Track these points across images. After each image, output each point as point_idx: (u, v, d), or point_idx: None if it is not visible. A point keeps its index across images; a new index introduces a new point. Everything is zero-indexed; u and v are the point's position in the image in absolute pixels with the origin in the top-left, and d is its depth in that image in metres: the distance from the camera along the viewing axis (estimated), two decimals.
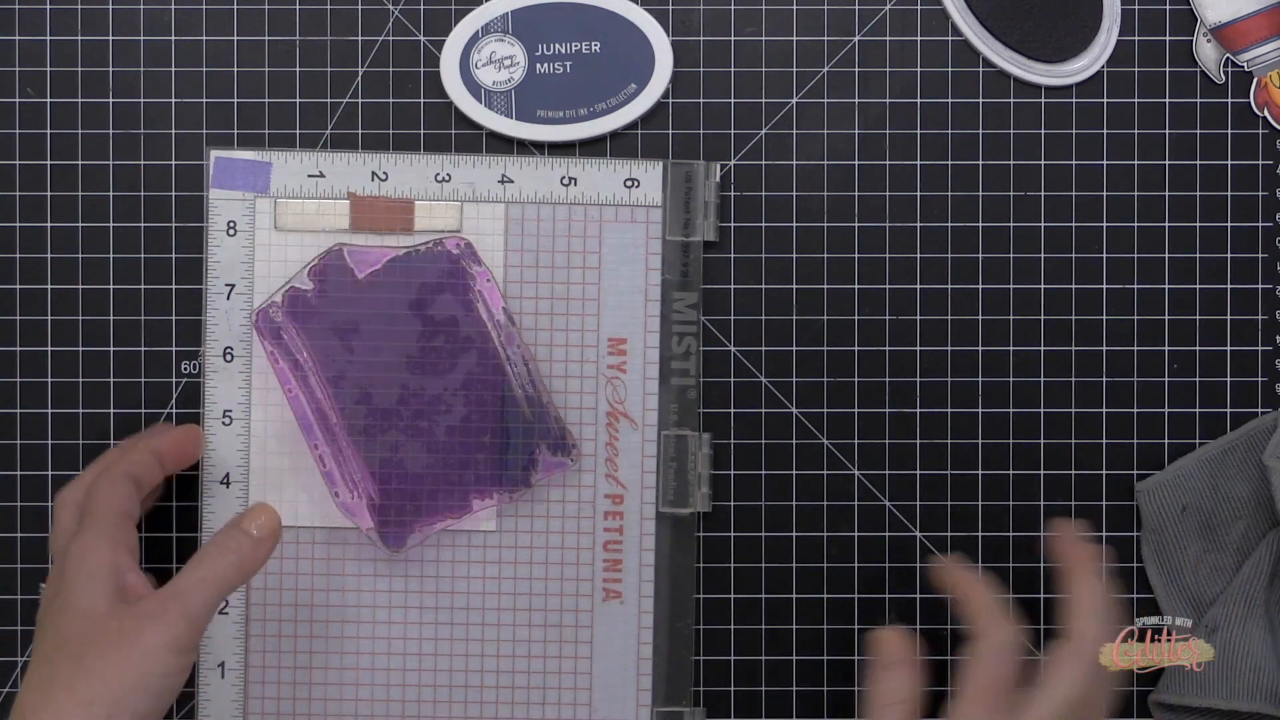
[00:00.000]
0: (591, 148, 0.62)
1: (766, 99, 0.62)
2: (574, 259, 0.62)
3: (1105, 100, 0.62)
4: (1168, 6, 0.62)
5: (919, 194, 0.62)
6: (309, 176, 0.62)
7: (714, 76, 0.62)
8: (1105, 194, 0.62)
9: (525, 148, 0.62)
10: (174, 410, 0.62)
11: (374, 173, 0.62)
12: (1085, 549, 0.57)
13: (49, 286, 0.62)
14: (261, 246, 0.62)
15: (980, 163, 0.62)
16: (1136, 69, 0.62)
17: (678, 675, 0.62)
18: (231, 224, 0.62)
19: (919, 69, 0.62)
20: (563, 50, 0.61)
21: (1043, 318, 0.62)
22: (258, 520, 0.55)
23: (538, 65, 0.61)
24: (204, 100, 0.62)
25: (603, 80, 0.61)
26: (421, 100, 0.62)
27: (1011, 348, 0.62)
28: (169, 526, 0.62)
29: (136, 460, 0.57)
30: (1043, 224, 0.62)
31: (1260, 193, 0.62)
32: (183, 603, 0.52)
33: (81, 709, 0.50)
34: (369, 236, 0.62)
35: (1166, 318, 0.62)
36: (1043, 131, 0.62)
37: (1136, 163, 0.62)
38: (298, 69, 0.62)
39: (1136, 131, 0.62)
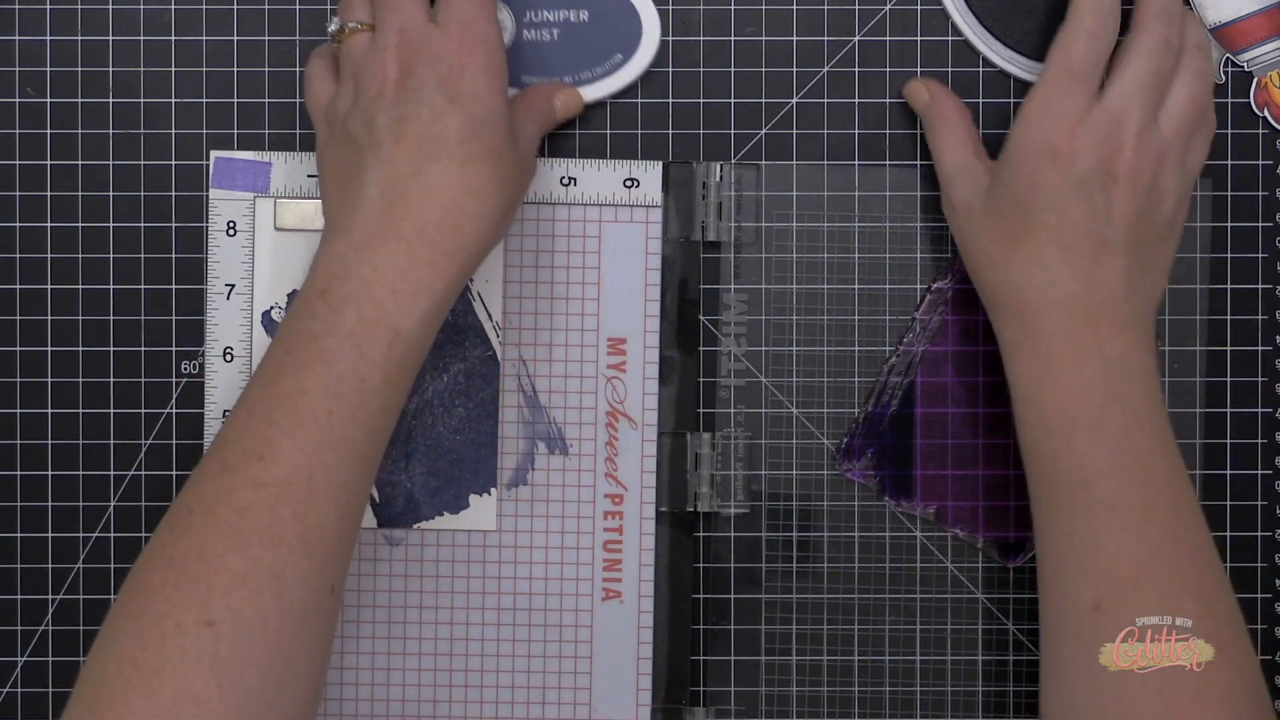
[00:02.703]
0: (589, 146, 0.62)
1: (766, 99, 0.62)
2: (574, 259, 0.62)
3: None
4: None
5: (919, 194, 0.62)
6: (309, 176, 0.62)
7: (714, 76, 0.62)
8: None
9: None
10: (174, 410, 0.62)
11: None
12: None
13: (49, 286, 0.62)
14: (261, 246, 0.62)
15: None
16: None
17: (678, 675, 0.62)
18: (231, 224, 0.62)
19: (919, 69, 0.62)
20: (551, 18, 0.61)
21: None
22: (561, 101, 0.60)
23: (525, 31, 0.61)
24: (204, 100, 0.62)
25: (589, 49, 0.61)
26: None
27: None
28: None
29: None
30: None
31: (1260, 193, 0.62)
32: (534, 153, 0.59)
33: (495, 192, 0.55)
34: None
35: (1167, 318, 0.62)
36: None
37: None
38: (298, 69, 0.62)
39: None
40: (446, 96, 0.54)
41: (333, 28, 0.57)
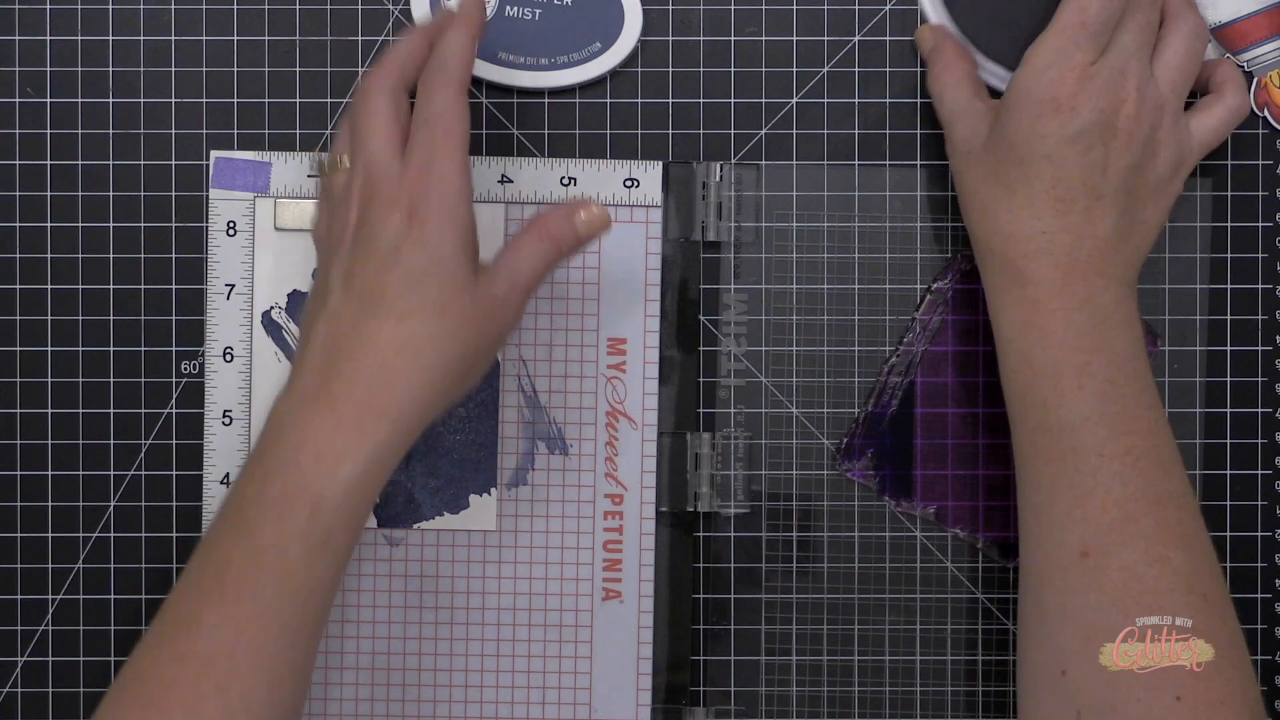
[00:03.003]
0: (588, 146, 0.62)
1: (766, 99, 0.62)
2: (574, 259, 0.62)
3: None
4: None
5: (919, 194, 0.62)
6: (309, 176, 0.62)
7: (714, 76, 0.62)
8: None
9: (525, 148, 0.62)
10: (174, 410, 0.62)
11: None
12: None
13: (49, 286, 0.62)
14: (261, 246, 0.62)
15: None
16: None
17: (678, 675, 0.62)
18: (231, 224, 0.62)
19: (919, 69, 0.62)
20: None
21: None
22: (585, 216, 0.55)
23: (507, 8, 0.61)
24: (204, 100, 0.62)
25: (569, 34, 0.61)
26: None
27: None
28: (169, 527, 0.62)
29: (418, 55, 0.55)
30: None
31: (1260, 193, 0.62)
32: (523, 291, 0.54)
33: (432, 348, 0.51)
34: None
35: (1166, 318, 0.62)
36: None
37: None
38: (298, 69, 0.62)
39: None
40: (392, 245, 0.51)
41: (316, 164, 0.55)
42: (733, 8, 0.62)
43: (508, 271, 0.54)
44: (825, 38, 0.62)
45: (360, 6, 0.62)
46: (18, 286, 0.62)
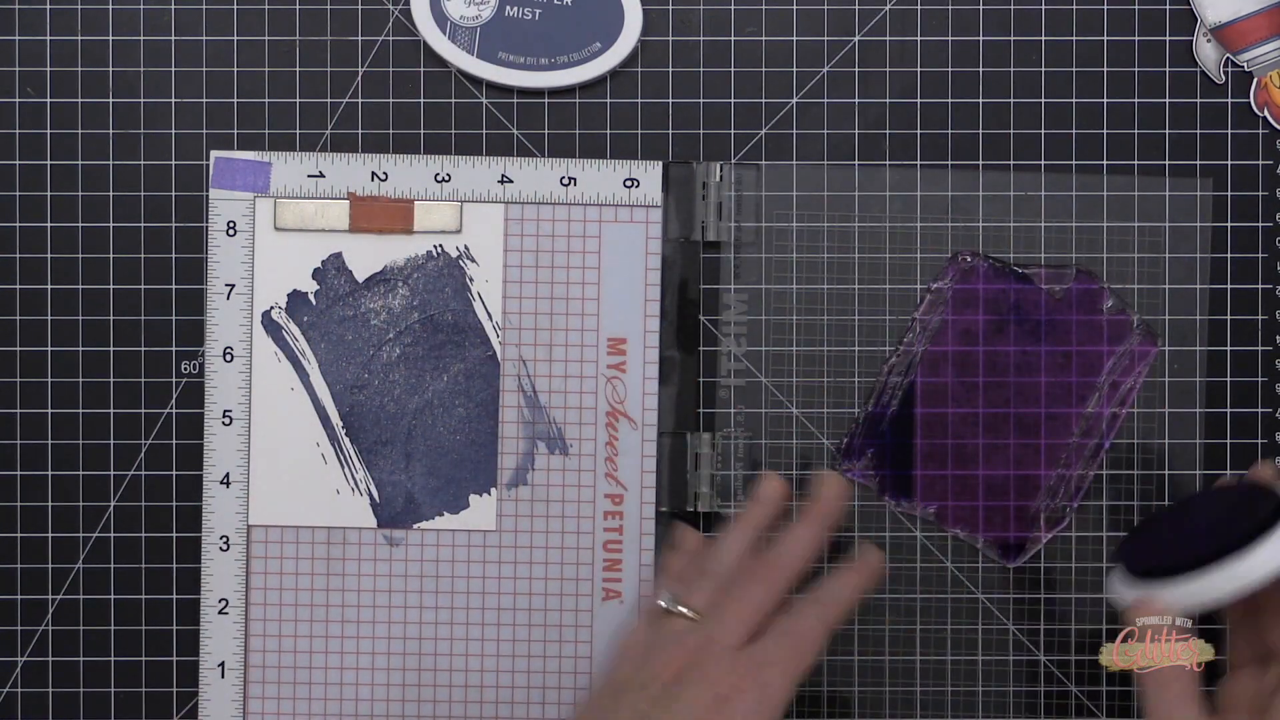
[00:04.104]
0: (589, 146, 0.62)
1: (766, 99, 0.62)
2: (574, 259, 0.62)
3: (1105, 100, 0.62)
4: (1168, 6, 0.62)
5: (919, 194, 0.62)
6: (309, 176, 0.62)
7: (714, 76, 0.62)
8: (1105, 194, 0.62)
9: (525, 148, 0.62)
10: (174, 410, 0.62)
11: (374, 173, 0.62)
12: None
13: (49, 286, 0.62)
14: (261, 246, 0.62)
15: (980, 163, 0.62)
16: (1137, 69, 0.62)
17: None
18: (231, 224, 0.62)
19: (919, 69, 0.62)
20: None
21: (1043, 317, 0.62)
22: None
23: (507, 8, 0.61)
24: (204, 100, 0.62)
25: (569, 33, 0.61)
26: (421, 100, 0.62)
27: (1013, 347, 0.62)
28: (169, 527, 0.62)
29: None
30: (1042, 224, 0.62)
31: (1260, 193, 0.62)
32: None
33: None
34: (368, 237, 0.62)
35: (1166, 318, 0.62)
36: (1043, 132, 0.62)
37: (1137, 162, 0.62)
38: (298, 69, 0.62)
39: (1137, 132, 0.62)
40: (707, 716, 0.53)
41: (664, 601, 0.56)
42: (733, 8, 0.62)
43: None
44: (825, 38, 0.62)
45: (360, 6, 0.62)
46: (18, 286, 0.62)
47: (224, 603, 0.61)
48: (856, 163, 0.62)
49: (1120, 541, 0.59)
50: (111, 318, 0.62)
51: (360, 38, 0.62)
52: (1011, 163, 0.62)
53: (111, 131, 0.62)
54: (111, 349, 0.62)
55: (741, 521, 0.59)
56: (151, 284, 0.62)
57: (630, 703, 0.54)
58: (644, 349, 0.62)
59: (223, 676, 0.62)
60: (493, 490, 0.62)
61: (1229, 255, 0.62)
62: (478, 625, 0.62)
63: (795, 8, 0.62)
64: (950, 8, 0.62)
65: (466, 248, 0.62)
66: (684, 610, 0.56)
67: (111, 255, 0.62)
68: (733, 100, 0.62)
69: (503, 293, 0.62)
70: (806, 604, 0.56)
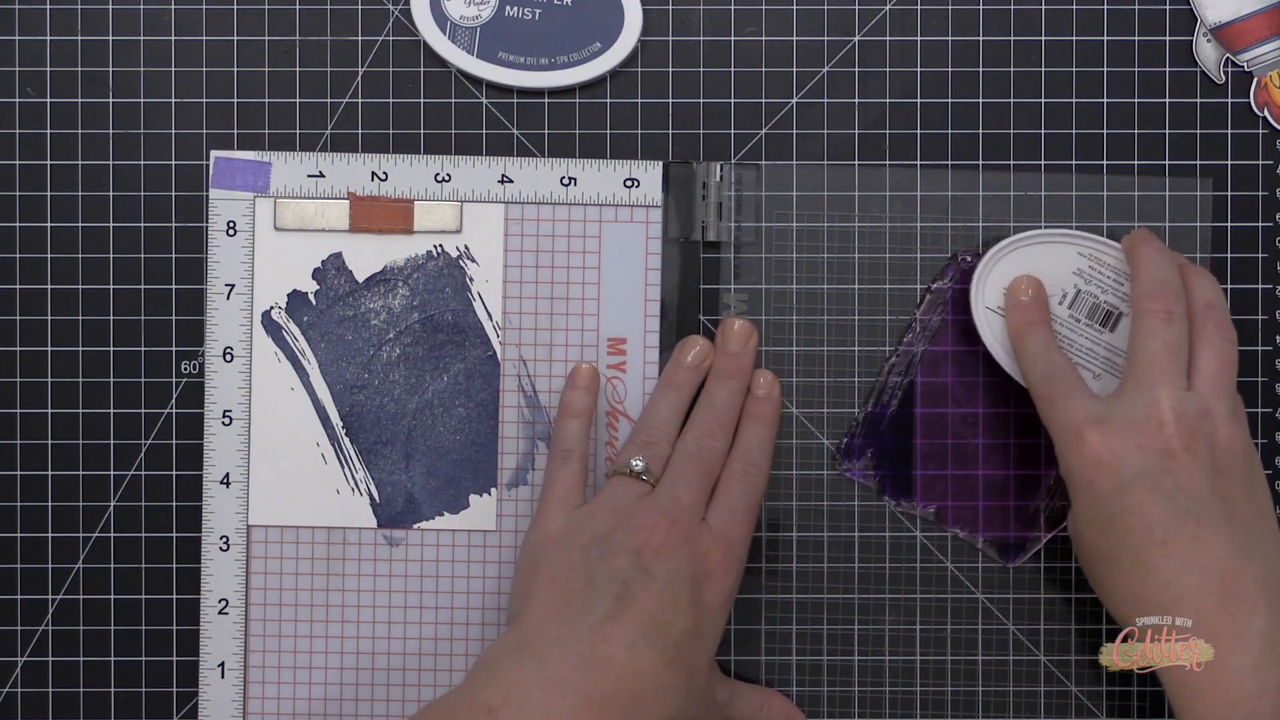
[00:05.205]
0: (589, 146, 0.62)
1: (766, 99, 0.62)
2: (574, 259, 0.62)
3: (1105, 100, 0.62)
4: (1168, 6, 0.62)
5: (919, 194, 0.62)
6: (309, 176, 0.62)
7: (714, 76, 0.62)
8: (1105, 194, 0.62)
9: (525, 148, 0.62)
10: (174, 410, 0.62)
11: (374, 173, 0.62)
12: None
13: (49, 286, 0.62)
14: (261, 246, 0.62)
15: (980, 163, 0.62)
16: (1136, 69, 0.62)
17: None
18: (231, 224, 0.62)
19: (919, 69, 0.62)
20: None
21: None
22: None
23: (507, 8, 0.61)
24: (204, 100, 0.62)
25: (569, 34, 0.61)
26: (421, 100, 0.62)
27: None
28: (169, 527, 0.62)
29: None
30: (1042, 224, 0.62)
31: (1260, 193, 0.62)
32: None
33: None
34: (369, 237, 0.62)
35: None
36: (1043, 132, 0.62)
37: (1137, 162, 0.62)
38: (298, 69, 0.62)
39: (1137, 132, 0.62)
40: (690, 596, 0.54)
41: (638, 464, 0.57)
42: (733, 8, 0.62)
43: (719, 688, 0.59)
44: (825, 38, 0.62)
45: (360, 6, 0.62)
46: (18, 286, 0.62)
47: (224, 603, 0.61)
48: (856, 163, 0.62)
49: None
50: (111, 318, 0.62)
51: (360, 38, 0.62)
52: (1011, 163, 0.62)
53: (111, 131, 0.62)
54: (111, 349, 0.62)
55: (670, 385, 0.60)
56: (151, 284, 0.62)
57: (610, 565, 0.55)
58: (644, 349, 0.62)
59: (223, 676, 0.62)
60: (493, 490, 0.62)
61: (1229, 255, 0.62)
62: (478, 625, 0.62)
63: (795, 8, 0.62)
64: (950, 8, 0.62)
65: (466, 248, 0.62)
66: (642, 471, 0.57)
67: (111, 255, 0.62)
68: (733, 100, 0.62)
69: (503, 293, 0.62)
70: (733, 479, 0.58)
